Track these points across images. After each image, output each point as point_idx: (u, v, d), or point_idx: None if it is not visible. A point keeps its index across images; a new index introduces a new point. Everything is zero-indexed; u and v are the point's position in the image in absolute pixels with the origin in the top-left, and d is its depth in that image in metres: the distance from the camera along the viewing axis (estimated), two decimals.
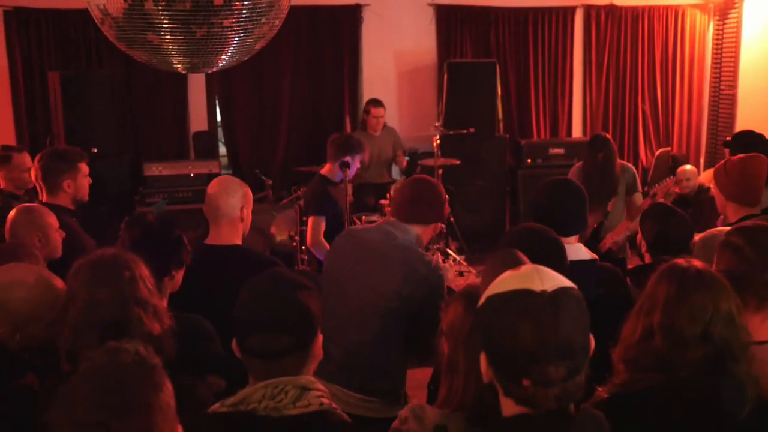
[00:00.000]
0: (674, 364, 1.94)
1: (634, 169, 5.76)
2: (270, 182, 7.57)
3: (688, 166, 7.06)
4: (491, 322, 1.59)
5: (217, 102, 8.49)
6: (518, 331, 1.52)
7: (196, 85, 8.31)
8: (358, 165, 5.28)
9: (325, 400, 1.93)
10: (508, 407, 1.61)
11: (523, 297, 1.54)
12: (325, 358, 3.04)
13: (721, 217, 3.91)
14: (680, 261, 2.08)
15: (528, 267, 1.65)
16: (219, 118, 8.59)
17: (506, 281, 1.61)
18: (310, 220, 4.97)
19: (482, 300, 1.63)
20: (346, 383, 3.03)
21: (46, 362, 2.28)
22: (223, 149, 8.80)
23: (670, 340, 1.95)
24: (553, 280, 1.58)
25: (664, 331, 1.96)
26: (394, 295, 3.00)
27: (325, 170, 5.20)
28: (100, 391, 1.58)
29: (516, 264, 1.82)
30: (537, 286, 1.54)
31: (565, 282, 1.59)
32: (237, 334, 1.96)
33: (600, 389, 2.05)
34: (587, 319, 1.58)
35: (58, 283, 2.48)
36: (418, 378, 3.47)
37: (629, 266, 4.29)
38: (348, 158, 5.01)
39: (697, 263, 2.07)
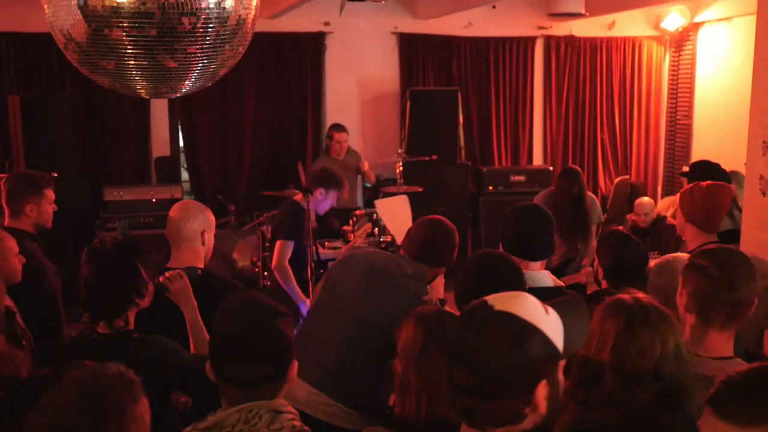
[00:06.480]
0: (627, 403, 1.92)
1: (596, 199, 5.85)
2: (233, 208, 7.53)
3: (645, 199, 6.92)
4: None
5: (179, 127, 8.44)
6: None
7: (159, 110, 8.26)
8: (333, 203, 5.26)
9: (296, 423, 1.92)
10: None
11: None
12: (314, 363, 3.03)
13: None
14: (624, 296, 2.07)
15: None
16: (182, 143, 8.54)
17: None
18: (278, 243, 4.96)
19: None
20: (332, 392, 3.01)
21: None
22: (185, 174, 8.75)
23: (621, 380, 1.94)
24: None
25: (614, 371, 1.95)
26: (396, 322, 3.02)
27: (298, 197, 5.19)
28: (79, 397, 1.63)
29: None
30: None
31: None
32: (213, 360, 1.93)
33: None
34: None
35: None
36: None
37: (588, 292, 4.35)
38: (320, 189, 5.03)
39: (641, 297, 2.07)
